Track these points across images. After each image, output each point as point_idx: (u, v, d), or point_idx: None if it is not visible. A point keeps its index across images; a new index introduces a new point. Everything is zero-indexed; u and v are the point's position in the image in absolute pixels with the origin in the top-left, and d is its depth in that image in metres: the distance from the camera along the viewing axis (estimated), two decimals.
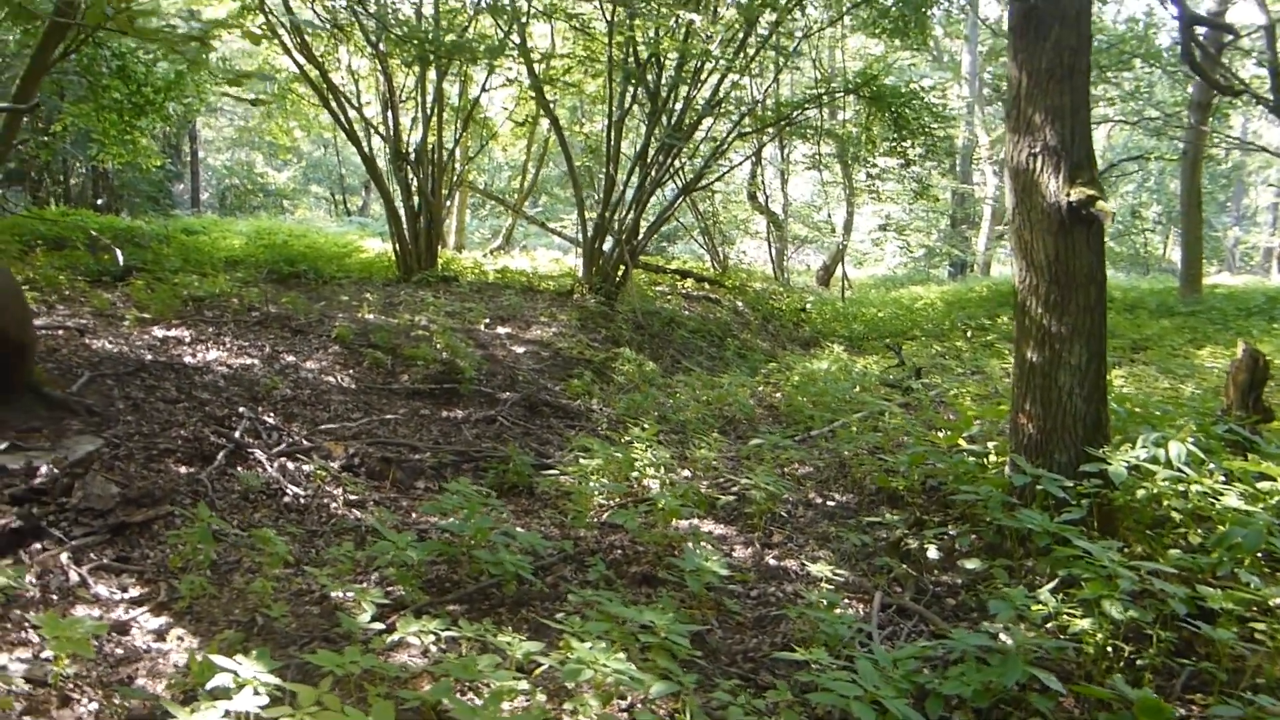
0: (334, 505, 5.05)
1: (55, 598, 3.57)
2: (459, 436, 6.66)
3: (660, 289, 14.97)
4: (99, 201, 18.63)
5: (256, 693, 2.43)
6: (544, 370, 8.89)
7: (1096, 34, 15.06)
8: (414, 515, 5.13)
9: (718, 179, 16.21)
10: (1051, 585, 3.52)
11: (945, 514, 5.12)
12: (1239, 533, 3.68)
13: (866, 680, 2.81)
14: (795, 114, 13.82)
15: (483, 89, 13.75)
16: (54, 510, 4.21)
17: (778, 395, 9.23)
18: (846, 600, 4.20)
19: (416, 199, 12.46)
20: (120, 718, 2.79)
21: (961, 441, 5.64)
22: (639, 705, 3.06)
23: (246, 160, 31.35)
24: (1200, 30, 11.75)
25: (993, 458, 5.20)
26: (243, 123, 26.99)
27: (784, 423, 8.05)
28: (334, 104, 11.71)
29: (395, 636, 3.22)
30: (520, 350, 9.30)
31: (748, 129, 13.64)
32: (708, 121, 13.57)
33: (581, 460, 5.72)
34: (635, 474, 5.61)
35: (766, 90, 15.98)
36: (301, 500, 5.01)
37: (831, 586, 4.23)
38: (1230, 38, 14.11)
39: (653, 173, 12.41)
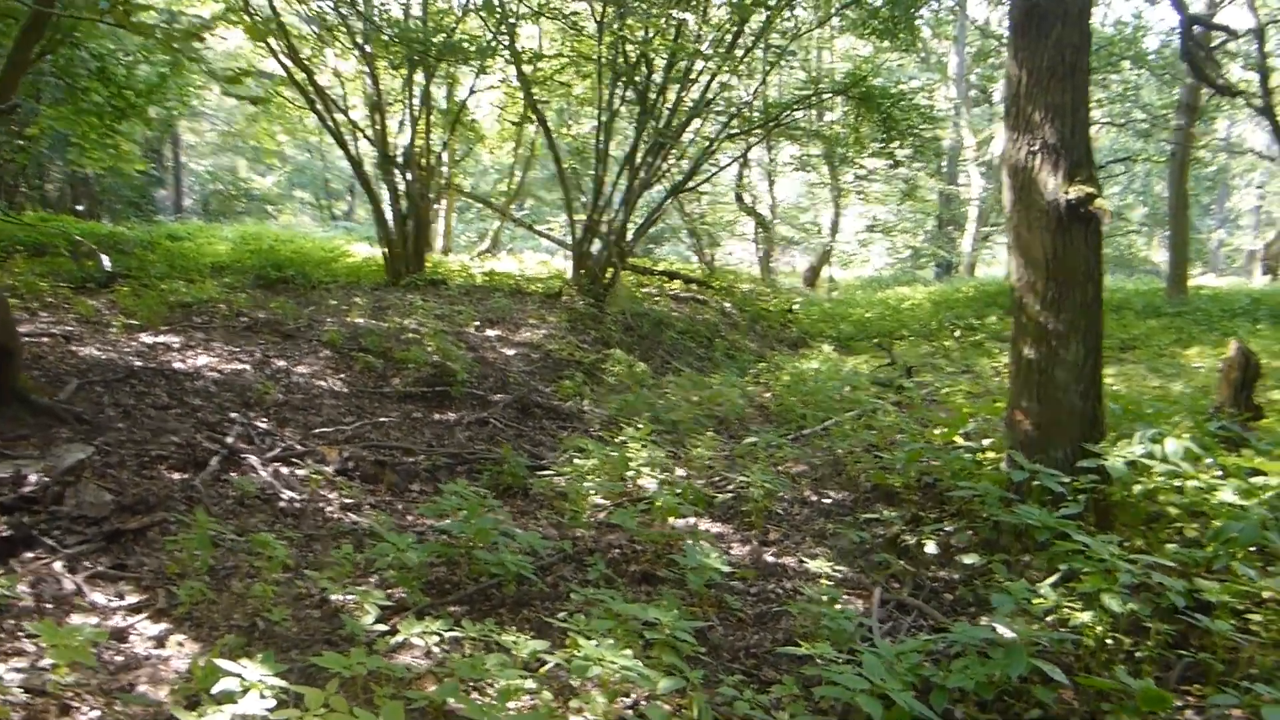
0: (330, 509, 5.03)
1: (50, 606, 3.52)
2: (452, 439, 6.64)
3: (648, 290, 14.96)
4: (79, 207, 18.41)
5: (263, 696, 2.41)
6: (535, 372, 8.87)
7: None
8: (410, 517, 5.10)
9: (705, 180, 16.21)
10: (1053, 580, 3.54)
11: (942, 510, 5.14)
12: (1234, 527, 3.73)
13: (872, 674, 2.81)
14: (784, 115, 13.86)
15: (471, 91, 13.71)
16: (45, 518, 4.16)
17: (768, 395, 9.25)
18: (846, 596, 4.21)
19: (404, 202, 12.40)
20: None
21: (957, 438, 5.66)
22: (644, 702, 3.06)
23: (230, 165, 31.10)
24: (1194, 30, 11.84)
25: (989, 454, 5.22)
26: (225, 127, 26.77)
27: (775, 422, 8.06)
28: (320, 107, 11.64)
29: (398, 638, 3.21)
30: (510, 352, 9.27)
31: (736, 130, 13.65)
32: (696, 122, 13.58)
33: (576, 460, 5.71)
34: (630, 473, 5.60)
35: (755, 91, 16.04)
36: (297, 505, 4.98)
37: (831, 583, 4.24)
38: (1222, 38, 14.19)
39: (641, 174, 12.41)
